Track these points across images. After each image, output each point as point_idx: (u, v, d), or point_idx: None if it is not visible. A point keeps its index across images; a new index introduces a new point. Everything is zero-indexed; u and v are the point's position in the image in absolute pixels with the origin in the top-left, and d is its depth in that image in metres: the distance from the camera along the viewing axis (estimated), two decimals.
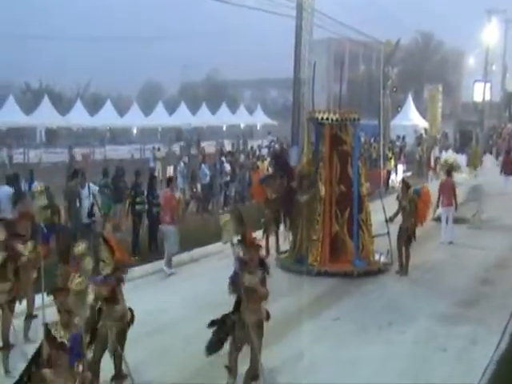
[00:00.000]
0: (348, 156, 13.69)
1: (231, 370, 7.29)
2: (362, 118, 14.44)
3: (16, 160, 33.79)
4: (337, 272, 12.89)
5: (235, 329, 7.34)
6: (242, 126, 52.69)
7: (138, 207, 15.34)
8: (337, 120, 13.51)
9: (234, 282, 7.27)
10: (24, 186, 14.84)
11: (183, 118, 48.03)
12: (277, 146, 32.71)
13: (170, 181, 14.75)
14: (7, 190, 14.08)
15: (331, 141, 13.58)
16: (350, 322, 10.22)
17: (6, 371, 8.12)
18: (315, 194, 13.46)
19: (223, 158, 22.86)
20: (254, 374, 7.27)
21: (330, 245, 13.36)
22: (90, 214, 14.03)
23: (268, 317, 7.44)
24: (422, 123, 41.74)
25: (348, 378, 8.11)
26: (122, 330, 7.29)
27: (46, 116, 40.59)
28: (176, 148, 36.38)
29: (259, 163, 23.69)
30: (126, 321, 7.33)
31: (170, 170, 25.13)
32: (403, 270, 13.12)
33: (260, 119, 55.04)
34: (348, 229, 13.41)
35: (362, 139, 14.85)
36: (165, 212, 13.71)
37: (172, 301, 11.25)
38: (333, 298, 11.63)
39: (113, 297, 7.17)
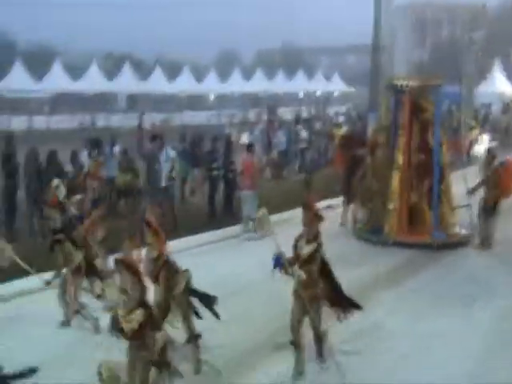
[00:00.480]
0: (428, 124, 13.26)
1: (296, 343, 7.24)
2: (445, 85, 13.95)
3: (99, 124, 34.73)
4: (414, 243, 12.58)
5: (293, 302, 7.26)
6: (319, 92, 52.13)
7: (214, 173, 15.48)
8: (417, 87, 13.13)
9: (277, 263, 7.16)
10: (106, 149, 15.16)
11: (259, 84, 47.98)
12: (354, 113, 32.22)
13: (250, 147, 14.76)
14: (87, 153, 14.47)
15: (411, 108, 13.19)
16: (429, 295, 9.93)
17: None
18: (385, 161, 13.20)
19: (299, 125, 22.70)
20: (318, 347, 7.23)
21: (407, 215, 13.08)
22: (170, 178, 14.21)
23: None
24: (509, 90, 40.04)
25: (424, 352, 7.89)
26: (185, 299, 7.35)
27: (126, 82, 41.41)
28: (252, 114, 36.47)
29: (336, 130, 23.40)
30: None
31: (245, 137, 25.16)
32: (485, 243, 12.67)
33: (337, 86, 54.32)
34: (427, 199, 13.07)
35: (445, 107, 14.32)
36: (244, 177, 13.79)
37: (248, 264, 11.29)
38: (410, 269, 11.36)
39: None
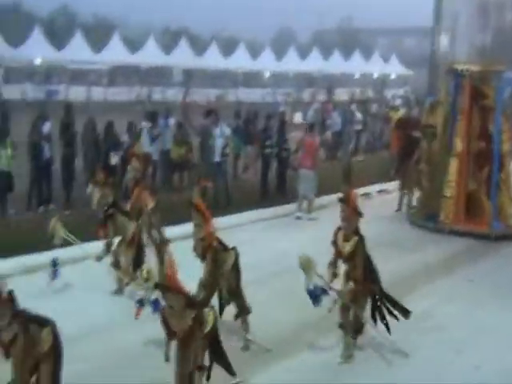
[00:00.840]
0: (489, 111, 12.90)
1: (344, 326, 7.19)
2: (507, 71, 13.55)
3: (155, 98, 35.05)
4: (471, 232, 12.29)
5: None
6: (376, 74, 51.40)
7: (267, 150, 15.45)
8: (479, 72, 12.80)
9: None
10: (161, 122, 15.26)
11: (315, 64, 47.58)
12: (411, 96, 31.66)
13: (311, 126, 14.67)
14: (146, 125, 14.57)
15: (471, 94, 12.84)
16: (486, 285, 9.62)
17: None
18: (443, 147, 12.94)
19: (354, 107, 22.44)
20: (356, 327, 7.13)
21: (464, 203, 12.81)
22: (223, 154, 14.24)
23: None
24: None
25: (477, 343, 7.71)
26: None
27: (182, 57, 41.60)
28: (307, 94, 36.22)
29: (392, 113, 23.04)
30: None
31: (298, 116, 25.04)
32: None
33: (394, 68, 53.47)
34: (486, 188, 12.75)
35: (507, 93, 13.90)
36: (304, 157, 13.76)
37: (299, 243, 11.24)
38: (467, 258, 11.09)
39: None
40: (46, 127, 12.81)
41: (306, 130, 14.50)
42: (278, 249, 10.99)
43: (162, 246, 9.27)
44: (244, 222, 12.51)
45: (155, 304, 6.46)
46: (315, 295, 6.98)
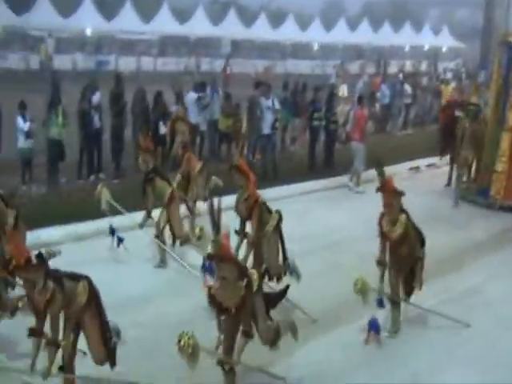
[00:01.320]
0: None
1: (394, 301, 7.13)
2: None
3: (203, 69, 35.09)
4: None
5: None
6: (426, 47, 50.30)
7: (315, 123, 15.34)
8: None
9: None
10: (209, 93, 15.27)
11: (364, 36, 46.82)
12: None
13: (360, 99, 14.52)
14: (193, 95, 14.60)
15: None
16: None
17: None
18: (494, 122, 12.65)
19: (404, 79, 22.06)
20: (392, 298, 7.11)
21: None
22: (273, 127, 14.20)
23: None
24: None
25: None
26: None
27: (231, 28, 41.43)
28: (356, 66, 35.71)
29: (442, 87, 22.59)
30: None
31: (344, 89, 24.71)
32: None
33: (446, 41, 52.19)
34: None
35: None
36: (354, 129, 13.73)
37: (346, 217, 11.24)
38: None
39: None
40: (96, 97, 12.96)
41: (355, 103, 14.37)
42: (325, 221, 10.99)
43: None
44: (291, 195, 12.49)
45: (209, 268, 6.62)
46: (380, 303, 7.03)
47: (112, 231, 8.72)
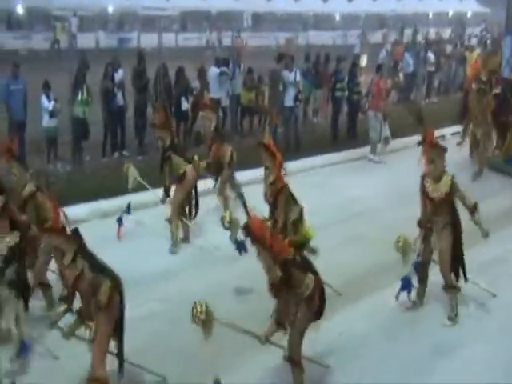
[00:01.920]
0: None
1: (422, 278, 7.12)
2: None
3: (225, 43, 34.89)
4: None
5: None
6: (451, 13, 49.42)
7: (337, 94, 15.28)
8: None
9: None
10: (231, 67, 15.22)
11: (387, 4, 46.15)
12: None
13: (379, 68, 14.40)
14: (215, 70, 14.60)
15: None
16: None
17: None
18: None
19: (428, 47, 21.74)
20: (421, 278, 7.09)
21: None
22: (296, 99, 14.15)
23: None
24: None
25: None
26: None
27: (252, 1, 41.08)
28: (378, 35, 35.21)
29: (467, 53, 22.20)
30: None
31: (365, 59, 24.39)
32: None
33: (471, 6, 51.21)
34: None
35: None
36: (373, 99, 13.66)
37: (371, 188, 11.23)
38: None
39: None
40: (119, 75, 13.03)
41: (375, 72, 14.25)
42: (347, 193, 11.00)
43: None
44: (313, 167, 12.51)
45: (241, 245, 6.64)
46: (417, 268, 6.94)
47: (128, 209, 8.79)
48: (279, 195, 7.12)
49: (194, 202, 8.81)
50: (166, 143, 8.66)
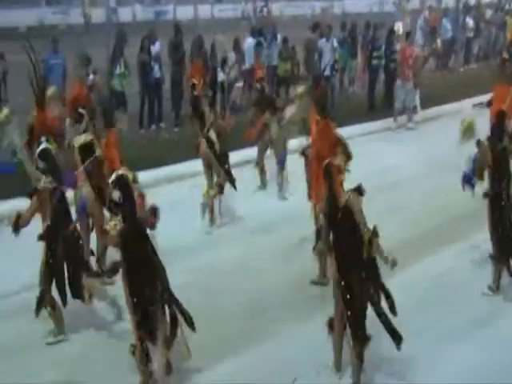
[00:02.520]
0: None
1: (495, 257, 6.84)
2: None
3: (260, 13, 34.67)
4: None
5: None
6: None
7: (374, 62, 15.13)
8: None
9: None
10: (267, 37, 15.17)
11: None
12: None
13: (407, 35, 14.21)
14: (251, 41, 14.58)
15: None
16: None
17: None
18: None
19: (466, 12, 21.28)
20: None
21: None
22: (332, 68, 14.07)
23: None
24: None
25: None
26: None
27: None
28: (416, 1, 34.54)
29: (508, 18, 21.69)
30: None
31: (400, 26, 23.96)
32: None
33: None
34: None
35: None
36: (402, 67, 13.45)
37: (408, 157, 11.19)
38: None
39: None
40: (155, 47, 13.12)
41: (414, 40, 14.08)
42: (385, 162, 10.97)
43: None
44: (351, 136, 12.39)
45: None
46: (468, 178, 6.75)
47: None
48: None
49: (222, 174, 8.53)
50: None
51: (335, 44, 14.25)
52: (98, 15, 31.56)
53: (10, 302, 6.55)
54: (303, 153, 7.22)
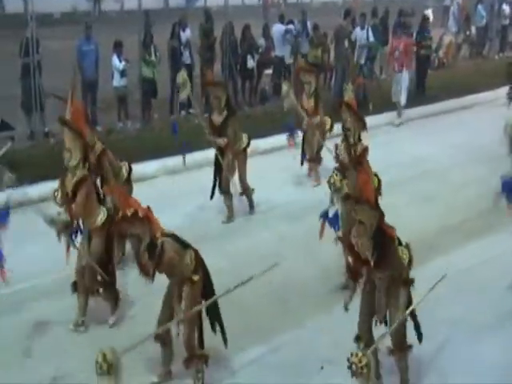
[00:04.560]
0: None
1: None
2: None
3: (290, 0, 34.46)
4: None
5: None
6: None
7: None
8: None
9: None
10: (296, 25, 15.07)
11: None
12: None
13: (404, 23, 14.05)
14: (280, 27, 14.50)
15: None
16: None
17: None
18: None
19: None
20: None
21: None
22: (367, 58, 13.94)
23: None
24: None
25: None
26: None
27: None
28: None
29: None
30: None
31: (430, 13, 23.56)
32: None
33: None
34: None
35: None
36: (397, 57, 13.08)
37: (440, 147, 11.05)
38: None
39: None
40: (186, 34, 13.13)
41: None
42: (415, 151, 10.87)
43: None
44: (380, 125, 12.36)
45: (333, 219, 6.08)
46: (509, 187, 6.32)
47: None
48: (360, 159, 6.69)
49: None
50: (222, 102, 8.05)
51: (370, 34, 14.08)
52: (129, 3, 31.81)
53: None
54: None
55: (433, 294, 4.95)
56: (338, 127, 7.95)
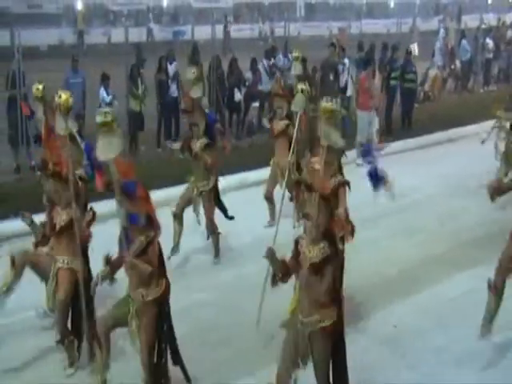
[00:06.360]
0: None
1: None
2: None
3: (277, 33, 34.89)
4: None
5: None
6: None
7: (392, 82, 15.10)
8: None
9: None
10: (280, 58, 15.19)
11: None
12: None
13: (366, 62, 13.68)
14: (266, 62, 14.61)
15: None
16: None
17: None
18: None
19: (486, 33, 21.20)
20: None
21: None
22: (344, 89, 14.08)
23: None
24: None
25: None
26: None
27: None
28: (435, 23, 34.65)
29: None
30: None
31: (415, 47, 23.89)
32: None
33: None
34: None
35: None
36: (360, 97, 12.94)
37: (426, 179, 11.09)
38: None
39: None
40: (173, 67, 13.20)
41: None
42: (403, 183, 10.79)
43: None
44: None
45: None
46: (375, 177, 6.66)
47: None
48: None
49: None
50: (201, 128, 7.89)
51: (347, 63, 14.25)
52: (116, 36, 32.09)
53: None
54: None
55: (417, 325, 4.94)
56: None
